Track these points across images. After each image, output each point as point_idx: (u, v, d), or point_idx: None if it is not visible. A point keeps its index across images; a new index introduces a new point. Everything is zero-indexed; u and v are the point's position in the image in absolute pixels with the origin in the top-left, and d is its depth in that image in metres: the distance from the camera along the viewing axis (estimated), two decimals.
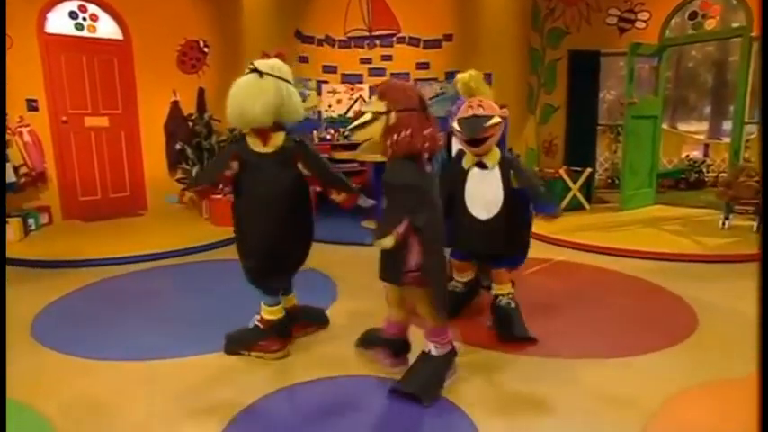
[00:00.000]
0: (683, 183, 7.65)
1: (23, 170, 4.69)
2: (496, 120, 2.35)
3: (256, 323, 2.43)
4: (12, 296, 3.27)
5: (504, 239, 2.46)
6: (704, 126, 10.51)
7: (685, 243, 4.34)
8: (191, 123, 5.67)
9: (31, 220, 4.75)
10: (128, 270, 3.88)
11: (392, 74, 5.95)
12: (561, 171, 5.78)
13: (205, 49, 5.90)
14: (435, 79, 5.86)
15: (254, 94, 2.21)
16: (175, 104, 5.80)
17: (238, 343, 2.43)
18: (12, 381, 2.19)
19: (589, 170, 5.86)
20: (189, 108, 5.81)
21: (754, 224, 4.61)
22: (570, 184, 5.75)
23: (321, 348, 2.55)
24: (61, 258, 4.02)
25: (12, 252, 4.12)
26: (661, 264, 3.92)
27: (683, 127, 10.49)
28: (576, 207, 5.75)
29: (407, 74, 5.94)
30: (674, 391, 2.10)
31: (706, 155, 8.50)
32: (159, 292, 3.47)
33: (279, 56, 2.40)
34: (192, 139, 5.62)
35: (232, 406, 2.03)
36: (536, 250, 4.32)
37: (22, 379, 2.25)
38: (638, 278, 3.57)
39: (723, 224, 4.76)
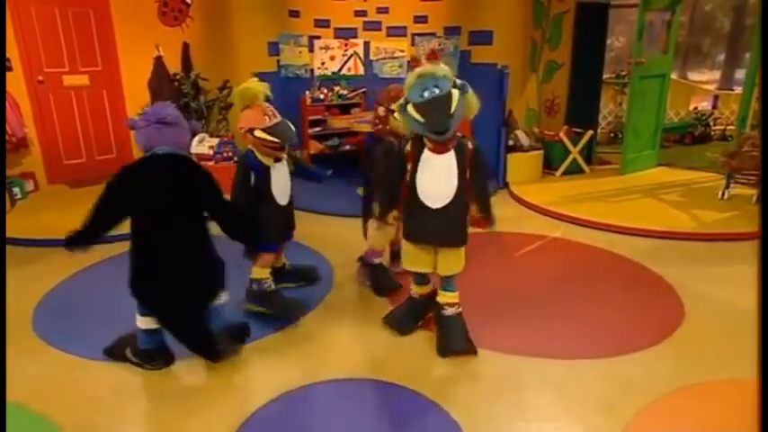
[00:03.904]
0: (688, 137, 7.44)
1: None
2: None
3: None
4: (8, 281, 3.24)
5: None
6: (716, 75, 10.02)
7: (682, 218, 4.27)
8: (176, 83, 5.41)
9: (16, 189, 4.66)
10: (123, 249, 3.77)
11: (388, 27, 5.59)
12: (561, 133, 5.59)
13: (188, 0, 5.51)
14: (434, 34, 5.50)
15: None
16: (159, 60, 5.49)
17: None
18: (22, 385, 2.24)
19: (590, 132, 5.67)
20: (174, 64, 5.51)
21: (754, 195, 4.52)
22: (570, 147, 5.58)
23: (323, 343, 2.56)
24: (54, 237, 3.91)
25: None
26: (655, 242, 3.87)
27: (693, 76, 10.02)
28: (575, 170, 5.64)
29: (404, 27, 5.57)
30: (653, 396, 2.12)
31: (715, 106, 8.19)
32: None
33: None
34: (179, 99, 5.39)
35: (238, 411, 2.07)
36: (534, 224, 4.35)
37: (31, 384, 2.27)
38: (630, 260, 3.54)
39: (723, 194, 4.67)
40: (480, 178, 2.32)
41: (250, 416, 2.04)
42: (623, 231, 4.05)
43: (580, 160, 5.66)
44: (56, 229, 4.00)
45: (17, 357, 2.47)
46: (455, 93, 2.10)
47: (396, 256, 3.13)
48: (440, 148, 2.22)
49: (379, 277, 3.05)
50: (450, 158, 2.22)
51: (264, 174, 2.56)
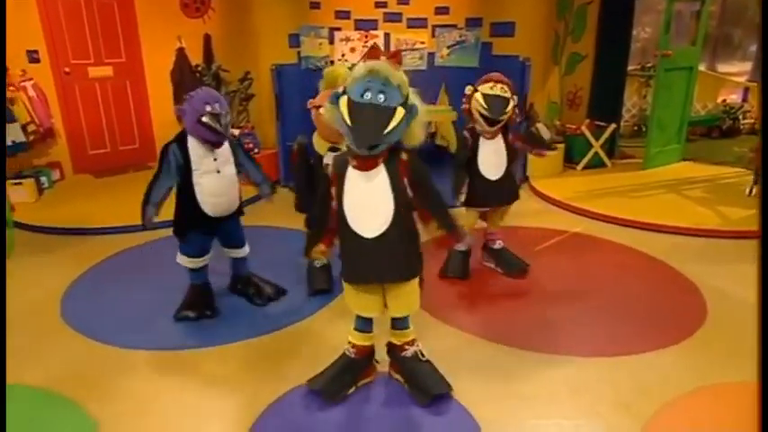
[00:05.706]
0: (715, 131, 7.25)
1: (31, 128, 4.64)
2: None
3: None
4: (33, 271, 3.35)
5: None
6: (747, 66, 9.65)
7: (707, 215, 4.17)
8: (198, 75, 5.46)
9: (43, 179, 4.79)
10: (148, 238, 3.67)
11: (409, 19, 5.54)
12: (583, 127, 5.50)
13: None
14: (455, 26, 5.44)
15: None
16: (181, 51, 5.54)
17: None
18: (53, 373, 2.31)
19: (613, 126, 5.56)
20: (196, 56, 5.56)
21: (754, 188, 4.47)
22: (592, 141, 5.49)
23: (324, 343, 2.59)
24: (79, 226, 4.05)
25: (28, 217, 4.19)
26: (678, 239, 3.80)
27: (723, 68, 9.67)
28: (597, 164, 5.55)
29: (425, 19, 5.52)
30: (673, 395, 2.10)
31: (745, 99, 7.93)
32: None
33: None
34: None
35: (256, 403, 2.12)
36: (555, 219, 4.30)
37: (62, 372, 2.33)
38: (651, 258, 3.48)
39: (750, 191, 4.55)
40: (428, 191, 1.93)
41: (262, 412, 2.07)
42: (645, 227, 3.98)
43: (602, 154, 5.56)
44: (81, 218, 4.17)
45: (46, 346, 2.55)
46: (399, 112, 1.71)
47: (486, 249, 3.29)
48: (365, 164, 1.82)
49: (451, 259, 3.18)
50: (379, 175, 1.83)
51: (317, 160, 2.80)
